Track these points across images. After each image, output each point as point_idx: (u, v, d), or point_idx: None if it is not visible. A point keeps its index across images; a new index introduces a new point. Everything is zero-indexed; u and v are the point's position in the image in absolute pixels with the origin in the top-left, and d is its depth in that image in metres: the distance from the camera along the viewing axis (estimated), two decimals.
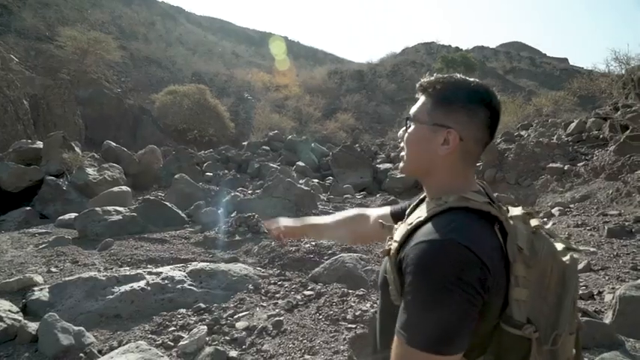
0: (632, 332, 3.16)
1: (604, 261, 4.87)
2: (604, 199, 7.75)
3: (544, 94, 23.63)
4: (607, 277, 4.39)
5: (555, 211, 7.78)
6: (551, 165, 10.34)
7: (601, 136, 11.45)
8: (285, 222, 1.62)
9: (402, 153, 1.07)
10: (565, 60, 50.69)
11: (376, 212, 1.46)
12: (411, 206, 1.15)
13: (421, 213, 0.95)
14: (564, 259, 0.91)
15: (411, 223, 0.93)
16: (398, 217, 1.25)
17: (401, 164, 1.08)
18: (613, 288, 3.95)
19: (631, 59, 11.64)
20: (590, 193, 8.32)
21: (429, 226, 0.88)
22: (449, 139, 0.95)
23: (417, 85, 1.04)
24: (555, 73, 41.14)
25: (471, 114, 0.95)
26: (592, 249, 5.19)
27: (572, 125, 12.89)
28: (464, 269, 0.79)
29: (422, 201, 1.11)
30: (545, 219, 7.16)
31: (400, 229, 0.97)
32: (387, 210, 1.41)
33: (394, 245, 0.94)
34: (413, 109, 1.04)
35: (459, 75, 1.01)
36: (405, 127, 1.06)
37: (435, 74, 1.04)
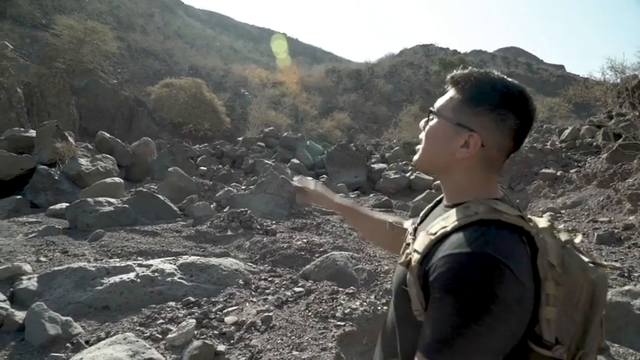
0: (617, 338, 3.20)
1: None
2: (595, 205, 7.82)
3: (540, 101, 23.83)
4: None
5: (546, 216, 7.85)
6: (544, 170, 10.43)
7: (594, 143, 11.56)
8: (319, 188, 1.54)
9: (419, 146, 1.00)
10: (562, 67, 51.20)
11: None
12: (428, 207, 1.08)
13: (445, 222, 0.85)
14: (593, 276, 0.85)
15: (434, 233, 0.84)
16: None
17: (415, 157, 1.01)
18: None
19: (626, 68, 11.73)
20: (581, 199, 8.39)
21: (457, 237, 0.80)
22: (469, 143, 0.88)
23: (449, 77, 0.94)
24: (551, 80, 41.47)
25: (498, 120, 0.86)
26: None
27: (567, 132, 13.02)
28: (501, 287, 0.72)
29: (439, 202, 1.04)
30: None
31: (421, 239, 0.87)
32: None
33: (415, 256, 0.85)
34: (439, 102, 0.96)
35: (495, 73, 0.90)
36: (427, 119, 0.98)
37: (469, 67, 0.94)
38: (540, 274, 0.80)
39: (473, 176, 0.91)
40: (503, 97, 0.86)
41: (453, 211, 0.88)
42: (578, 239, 0.92)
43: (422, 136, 0.98)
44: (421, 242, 0.86)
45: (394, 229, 1.13)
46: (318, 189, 1.54)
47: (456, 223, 0.83)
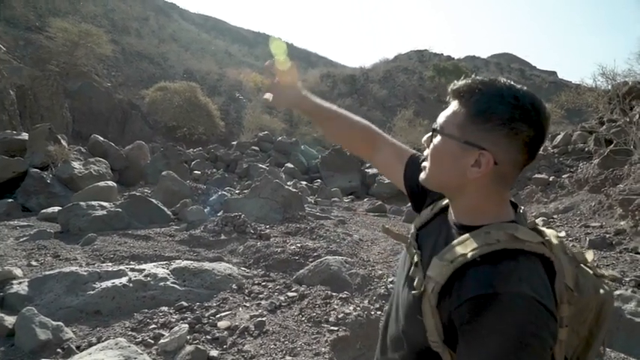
0: (609, 342, 3.21)
1: None
2: (587, 210, 7.88)
3: None
4: None
5: (539, 221, 7.83)
6: (536, 176, 10.52)
7: (586, 149, 11.69)
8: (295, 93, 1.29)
9: (425, 163, 0.93)
10: (554, 73, 51.77)
11: (391, 141, 1.25)
12: (429, 212, 1.01)
13: (463, 249, 0.79)
14: (601, 292, 0.83)
15: (452, 261, 0.79)
16: (412, 171, 1.10)
17: (422, 175, 0.94)
18: None
19: (617, 75, 11.89)
20: (573, 204, 8.46)
21: (485, 272, 0.75)
22: (481, 162, 0.80)
23: (450, 89, 0.86)
24: (544, 86, 41.84)
25: (510, 135, 0.79)
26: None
27: (559, 137, 13.14)
28: (543, 327, 0.70)
29: (443, 209, 0.98)
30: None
31: (437, 266, 0.81)
32: (405, 152, 1.19)
33: (431, 285, 0.80)
34: (441, 118, 0.87)
35: (502, 80, 0.82)
36: (430, 135, 0.90)
37: (473, 76, 0.85)
38: (557, 297, 0.77)
39: (486, 195, 0.85)
40: (513, 110, 0.78)
41: (470, 236, 0.82)
42: (590, 256, 0.88)
43: (426, 153, 0.92)
44: (438, 270, 0.80)
45: (388, 233, 1.11)
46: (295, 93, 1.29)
47: (478, 251, 0.77)
